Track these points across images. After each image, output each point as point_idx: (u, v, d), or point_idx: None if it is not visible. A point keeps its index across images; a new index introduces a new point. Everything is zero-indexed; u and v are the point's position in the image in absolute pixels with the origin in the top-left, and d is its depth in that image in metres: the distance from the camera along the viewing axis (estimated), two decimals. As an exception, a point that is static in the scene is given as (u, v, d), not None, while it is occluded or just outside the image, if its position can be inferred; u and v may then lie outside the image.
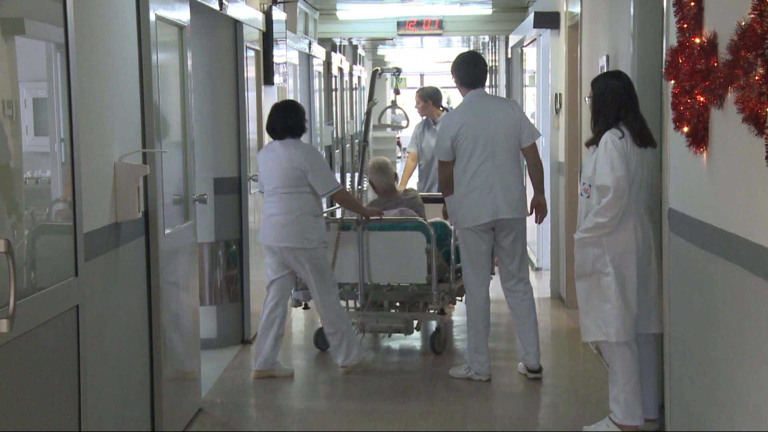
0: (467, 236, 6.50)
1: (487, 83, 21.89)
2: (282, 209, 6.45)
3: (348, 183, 17.20)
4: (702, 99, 4.08)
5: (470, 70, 6.59)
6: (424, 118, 9.62)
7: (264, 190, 6.60)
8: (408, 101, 13.53)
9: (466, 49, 23.12)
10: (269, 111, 6.67)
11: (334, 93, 14.85)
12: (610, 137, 5.16)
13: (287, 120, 6.50)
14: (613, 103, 5.24)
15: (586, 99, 5.48)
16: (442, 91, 10.00)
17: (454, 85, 6.67)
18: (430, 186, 9.34)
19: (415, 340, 7.79)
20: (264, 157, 6.58)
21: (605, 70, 6.65)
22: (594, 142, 5.29)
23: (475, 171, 6.40)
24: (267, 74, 8.55)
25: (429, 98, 9.60)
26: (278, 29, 8.87)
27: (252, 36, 7.99)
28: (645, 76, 5.71)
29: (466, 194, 6.43)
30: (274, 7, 8.81)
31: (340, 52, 16.02)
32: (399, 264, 7.13)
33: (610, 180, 5.10)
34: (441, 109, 9.53)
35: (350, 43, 18.09)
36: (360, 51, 20.49)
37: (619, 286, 5.20)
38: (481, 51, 22.45)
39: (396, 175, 8.26)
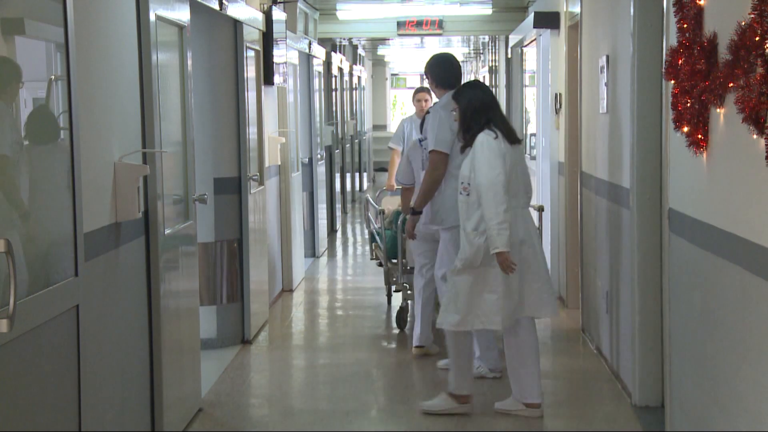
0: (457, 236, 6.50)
1: (488, 83, 21.95)
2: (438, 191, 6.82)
3: (348, 182, 17.27)
4: (702, 99, 4.08)
5: (450, 70, 6.69)
6: (411, 114, 9.96)
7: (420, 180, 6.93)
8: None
9: (466, 50, 23.22)
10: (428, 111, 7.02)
11: (334, 93, 14.85)
12: (485, 138, 5.58)
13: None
14: (482, 109, 5.71)
15: (453, 112, 5.86)
16: None
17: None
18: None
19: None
20: (419, 148, 6.95)
21: (605, 69, 6.66)
22: (469, 144, 5.66)
23: None
24: (267, 74, 8.55)
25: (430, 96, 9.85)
26: (278, 29, 8.87)
27: (252, 36, 7.99)
28: (645, 76, 5.71)
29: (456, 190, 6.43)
30: (274, 7, 8.81)
31: (340, 52, 16.02)
32: None
33: (490, 177, 5.46)
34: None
35: (350, 43, 18.09)
36: (360, 51, 20.50)
37: (504, 277, 5.56)
38: (481, 51, 22.46)
39: None
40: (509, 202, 5.52)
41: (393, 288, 8.24)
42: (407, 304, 8.01)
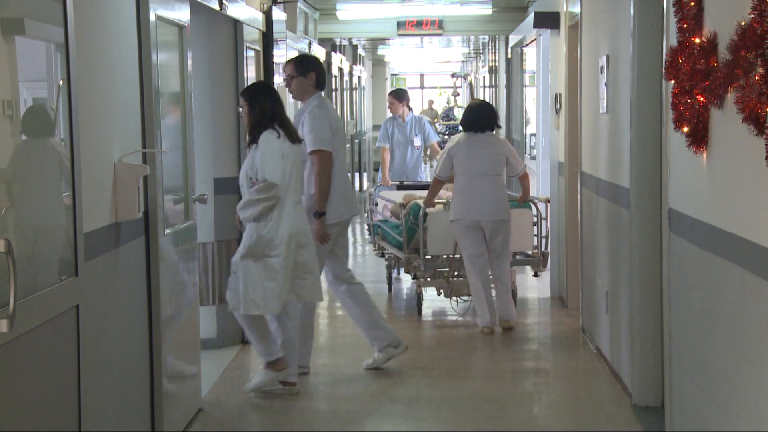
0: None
1: (487, 83, 21.88)
2: (494, 189, 7.83)
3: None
4: (702, 99, 4.09)
5: (323, 72, 6.99)
6: (392, 116, 11.41)
7: (464, 174, 7.82)
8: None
9: (466, 50, 23.21)
10: (467, 109, 8.16)
11: (334, 93, 14.85)
12: (267, 137, 6.05)
13: (488, 117, 7.99)
14: (269, 109, 6.13)
15: (240, 109, 6.42)
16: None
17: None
18: (399, 176, 11.16)
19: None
20: (470, 146, 7.86)
21: (605, 69, 6.67)
22: (254, 141, 6.10)
23: (339, 167, 6.76)
24: (267, 74, 8.55)
25: (403, 99, 11.28)
26: (278, 29, 8.87)
27: (252, 36, 7.99)
28: (645, 76, 5.71)
29: (337, 188, 6.67)
30: (274, 7, 8.82)
31: (340, 52, 16.03)
32: (513, 235, 8.17)
33: (271, 174, 5.98)
34: (408, 108, 11.46)
35: (350, 43, 18.10)
36: (360, 51, 20.50)
37: (283, 266, 6.03)
38: (481, 51, 22.47)
39: None
40: (288, 197, 6.06)
41: (413, 275, 8.74)
42: (423, 290, 8.62)
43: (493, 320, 7.88)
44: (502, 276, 7.95)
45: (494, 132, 8.04)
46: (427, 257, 8.41)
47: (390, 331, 6.86)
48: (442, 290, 8.50)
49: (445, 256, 8.40)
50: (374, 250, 10.00)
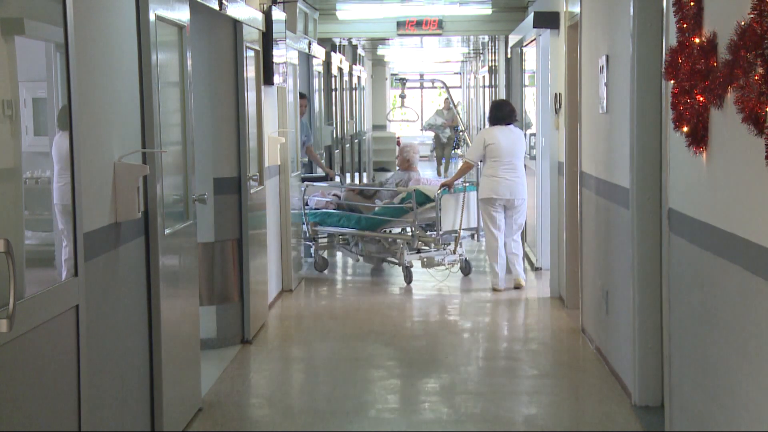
0: None
1: (487, 83, 21.88)
2: (518, 173, 9.53)
3: (348, 183, 17.31)
4: (702, 99, 4.09)
5: None
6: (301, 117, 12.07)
7: (494, 160, 9.47)
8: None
9: (466, 50, 23.21)
10: (494, 105, 9.99)
11: (334, 93, 14.85)
12: None
13: (511, 113, 9.72)
14: None
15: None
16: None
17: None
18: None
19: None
20: (499, 136, 9.55)
21: (605, 69, 6.67)
22: None
23: None
24: (267, 74, 8.55)
25: None
26: (278, 29, 8.87)
27: (252, 36, 7.99)
28: (645, 76, 5.71)
29: None
30: (273, 7, 8.81)
31: (340, 52, 16.02)
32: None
33: None
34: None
35: (350, 43, 18.09)
36: (360, 51, 20.49)
37: None
38: (481, 51, 22.46)
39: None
40: None
41: (416, 250, 10.15)
42: (411, 264, 10.06)
43: (503, 283, 9.49)
44: (518, 241, 9.62)
45: (513, 125, 9.67)
46: (419, 235, 9.98)
47: None
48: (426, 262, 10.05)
49: (432, 235, 9.97)
50: (307, 237, 10.74)
